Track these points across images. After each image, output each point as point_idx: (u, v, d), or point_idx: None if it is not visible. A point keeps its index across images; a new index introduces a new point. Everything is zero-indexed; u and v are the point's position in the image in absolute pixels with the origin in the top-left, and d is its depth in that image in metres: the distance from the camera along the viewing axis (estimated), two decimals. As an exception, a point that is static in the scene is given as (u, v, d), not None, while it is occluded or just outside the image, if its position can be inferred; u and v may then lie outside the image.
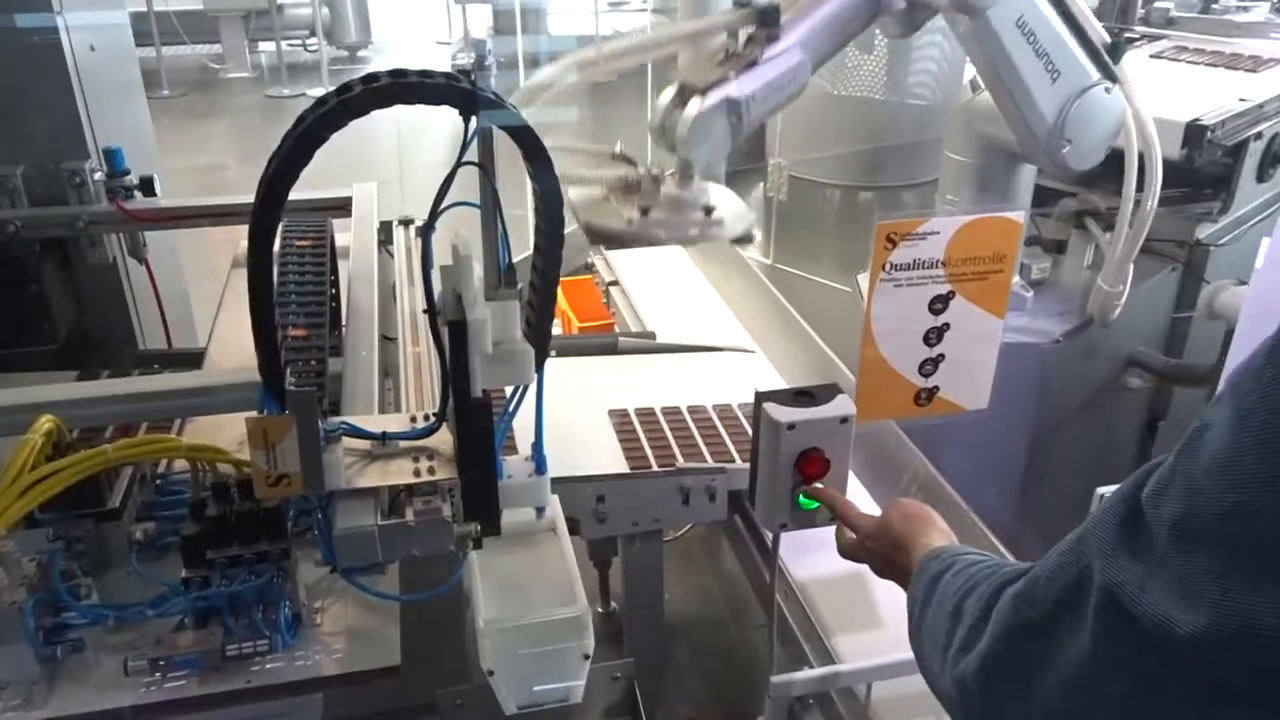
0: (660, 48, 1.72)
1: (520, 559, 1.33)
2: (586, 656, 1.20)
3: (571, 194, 1.78)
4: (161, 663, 1.14)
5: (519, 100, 1.60)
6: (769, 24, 1.65)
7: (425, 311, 1.21)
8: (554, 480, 1.65)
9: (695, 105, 1.58)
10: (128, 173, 2.03)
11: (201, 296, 2.68)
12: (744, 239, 2.15)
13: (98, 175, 2.03)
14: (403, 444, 1.23)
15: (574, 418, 1.93)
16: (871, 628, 1.66)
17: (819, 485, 1.22)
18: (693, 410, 1.98)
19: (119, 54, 2.31)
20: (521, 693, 1.20)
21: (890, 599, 1.73)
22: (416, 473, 1.19)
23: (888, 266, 1.24)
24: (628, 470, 1.78)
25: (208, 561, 1.19)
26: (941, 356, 1.34)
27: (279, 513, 1.22)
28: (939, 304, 1.30)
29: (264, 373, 1.12)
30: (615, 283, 2.88)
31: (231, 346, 1.91)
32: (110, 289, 2.17)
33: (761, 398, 1.16)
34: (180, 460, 1.44)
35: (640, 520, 1.78)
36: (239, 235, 2.40)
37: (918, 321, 1.30)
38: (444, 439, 1.24)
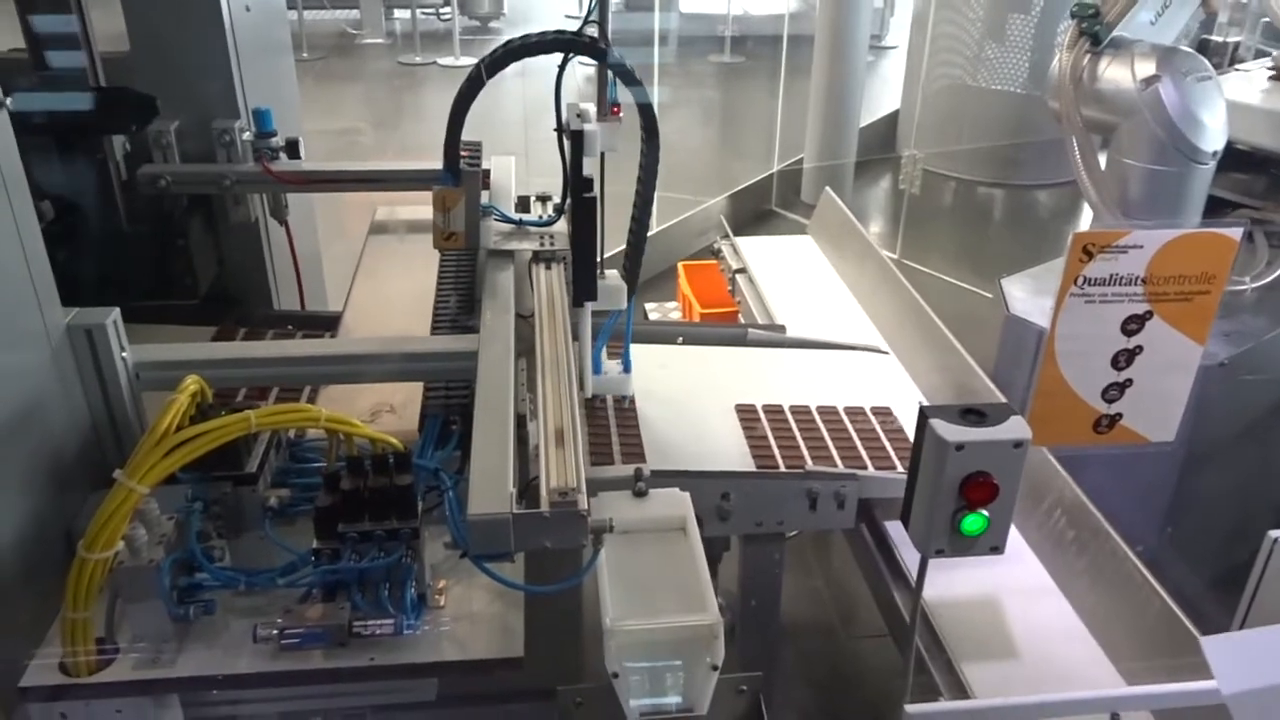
0: None
1: (648, 558, 1.28)
2: (715, 667, 1.15)
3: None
4: (290, 633, 1.13)
5: None
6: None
7: (556, 129, 1.67)
8: (679, 474, 1.61)
9: None
10: (274, 134, 2.06)
11: (332, 257, 2.71)
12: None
13: (246, 135, 2.06)
14: (532, 230, 1.85)
15: (700, 409, 1.88)
16: (1005, 657, 1.56)
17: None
18: (823, 411, 1.90)
19: (271, 15, 2.34)
20: (645, 699, 1.15)
21: (1023, 624, 1.63)
22: (541, 242, 1.79)
23: (1080, 280, 1.13)
24: (755, 469, 1.72)
25: (339, 534, 1.18)
26: (1129, 381, 1.23)
27: (410, 490, 1.20)
28: (1134, 324, 1.19)
29: (447, 159, 1.62)
30: (742, 270, 2.80)
31: (367, 312, 1.91)
32: (250, 248, 2.21)
33: (927, 413, 1.08)
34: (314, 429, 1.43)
35: (764, 521, 1.72)
36: (374, 200, 2.41)
37: (1107, 342, 1.19)
38: (561, 228, 1.84)
